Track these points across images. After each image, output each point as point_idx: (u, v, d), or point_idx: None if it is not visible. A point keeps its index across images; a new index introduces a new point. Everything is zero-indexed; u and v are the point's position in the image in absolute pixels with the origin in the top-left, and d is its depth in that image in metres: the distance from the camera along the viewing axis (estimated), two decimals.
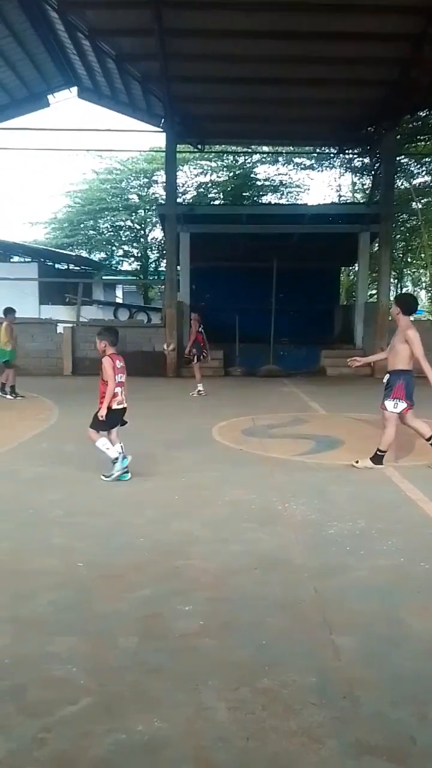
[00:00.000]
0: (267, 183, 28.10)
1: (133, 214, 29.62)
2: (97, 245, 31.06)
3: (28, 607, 3.03)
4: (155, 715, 2.22)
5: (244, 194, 27.37)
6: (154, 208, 26.59)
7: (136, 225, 30.50)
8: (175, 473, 5.72)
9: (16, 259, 26.56)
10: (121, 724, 2.18)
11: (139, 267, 32.00)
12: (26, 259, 25.81)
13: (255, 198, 27.70)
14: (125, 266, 33.06)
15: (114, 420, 5.42)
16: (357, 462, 5.89)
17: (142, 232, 30.75)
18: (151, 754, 2.04)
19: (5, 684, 2.40)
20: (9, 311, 11.25)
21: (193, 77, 13.89)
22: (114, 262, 32.67)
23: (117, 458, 5.34)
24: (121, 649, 2.67)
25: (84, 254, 29.79)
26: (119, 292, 29.69)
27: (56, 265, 27.08)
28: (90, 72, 15.50)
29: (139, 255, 31.66)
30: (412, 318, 6.24)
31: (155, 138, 23.14)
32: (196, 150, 18.31)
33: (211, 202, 27.22)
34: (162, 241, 26.51)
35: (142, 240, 30.99)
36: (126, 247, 32.00)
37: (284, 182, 28.03)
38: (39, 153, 29.35)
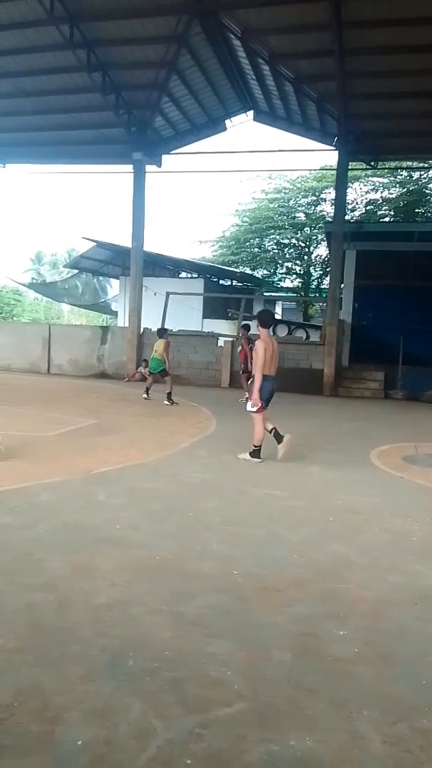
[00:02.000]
0: None
1: (299, 231, 29.81)
2: (261, 262, 31.68)
3: (189, 606, 3.18)
4: (308, 734, 2.22)
5: (417, 210, 26.29)
6: (320, 225, 26.55)
7: (300, 243, 30.66)
8: (331, 494, 5.64)
9: (183, 274, 28.13)
10: (275, 735, 2.21)
11: (300, 284, 32.10)
12: (193, 275, 27.21)
13: (429, 214, 26.47)
14: (287, 283, 33.36)
15: None
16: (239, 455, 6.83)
17: (307, 249, 30.82)
18: None
19: (167, 675, 2.55)
20: (163, 332, 12.27)
21: (370, 94, 13.80)
22: (276, 278, 33.15)
23: None
24: (276, 662, 2.70)
25: (248, 271, 30.59)
26: (279, 308, 30.07)
27: (221, 281, 28.18)
28: (267, 95, 16.02)
29: (302, 272, 31.76)
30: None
31: (327, 156, 23.21)
32: (368, 167, 18.01)
33: (381, 219, 26.51)
34: (326, 259, 26.38)
35: (305, 257, 31.07)
36: (289, 264, 32.28)
37: None
38: (213, 175, 30.69)
